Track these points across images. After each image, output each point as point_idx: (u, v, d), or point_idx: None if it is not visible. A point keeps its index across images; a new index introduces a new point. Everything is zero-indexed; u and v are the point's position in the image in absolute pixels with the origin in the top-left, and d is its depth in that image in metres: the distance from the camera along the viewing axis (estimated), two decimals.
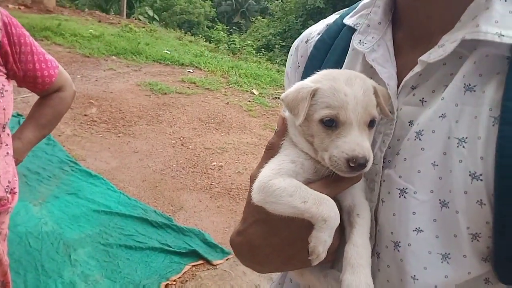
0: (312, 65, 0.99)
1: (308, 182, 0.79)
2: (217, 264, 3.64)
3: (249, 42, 17.75)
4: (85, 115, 6.59)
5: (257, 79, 10.39)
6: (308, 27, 1.11)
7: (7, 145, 1.74)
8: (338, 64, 0.94)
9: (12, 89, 1.72)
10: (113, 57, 10.16)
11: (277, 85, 10.25)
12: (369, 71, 0.86)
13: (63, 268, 3.31)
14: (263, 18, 27.86)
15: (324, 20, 1.07)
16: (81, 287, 3.17)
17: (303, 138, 0.80)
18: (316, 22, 1.17)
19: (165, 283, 3.36)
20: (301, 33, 1.11)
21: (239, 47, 15.50)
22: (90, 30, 11.94)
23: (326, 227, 0.72)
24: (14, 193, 1.77)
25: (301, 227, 0.76)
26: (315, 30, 1.05)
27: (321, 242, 0.72)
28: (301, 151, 0.81)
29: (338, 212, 0.74)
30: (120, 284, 3.28)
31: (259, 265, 0.92)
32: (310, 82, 0.78)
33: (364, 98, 0.74)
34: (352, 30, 0.93)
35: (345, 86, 0.74)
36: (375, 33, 0.87)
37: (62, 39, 10.62)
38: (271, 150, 0.84)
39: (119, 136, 6.06)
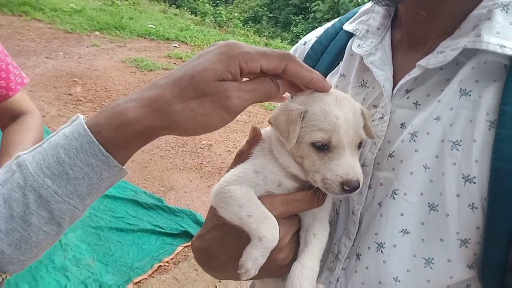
0: (308, 64, 0.99)
1: (269, 195, 0.80)
2: None
3: (235, 14, 17.37)
4: (70, 94, 6.44)
5: None
6: None
7: None
8: (332, 65, 0.97)
9: None
10: (96, 33, 9.87)
11: None
12: (365, 73, 0.88)
13: (53, 252, 3.29)
14: None
15: (324, 25, 1.08)
16: (73, 271, 3.17)
17: (291, 158, 0.79)
18: None
19: (158, 264, 3.37)
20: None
21: (226, 20, 15.17)
22: (71, 5, 11.53)
23: (259, 245, 0.73)
24: None
25: None
26: (314, 34, 1.07)
27: (251, 258, 0.73)
28: (269, 163, 0.81)
29: (277, 235, 0.74)
30: (112, 267, 3.28)
31: (215, 272, 0.92)
32: (298, 104, 0.77)
33: (354, 120, 0.75)
34: (349, 33, 0.95)
35: (335, 108, 0.74)
36: (373, 37, 0.89)
37: (42, 15, 10.25)
38: (240, 158, 0.84)
39: None
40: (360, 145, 0.78)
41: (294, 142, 0.75)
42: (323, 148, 0.74)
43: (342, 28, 0.97)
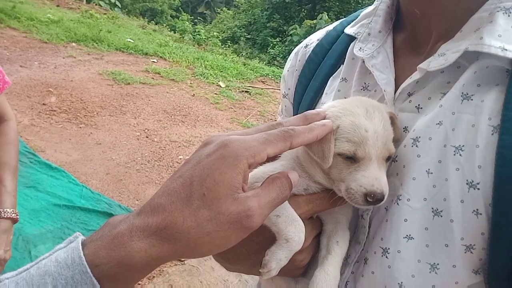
0: (309, 67, 1.01)
1: (294, 195, 0.78)
2: (184, 260, 3.60)
3: (214, 33, 17.55)
4: (44, 104, 6.30)
5: (223, 71, 10.31)
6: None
7: None
8: (334, 68, 0.96)
9: None
10: (73, 44, 9.75)
11: (243, 78, 10.22)
12: (367, 77, 0.88)
13: (22, 265, 2.99)
14: (228, 10, 27.65)
15: (326, 27, 1.08)
16: None
17: (317, 167, 0.79)
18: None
19: None
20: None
21: (205, 38, 15.29)
22: (48, 15, 11.38)
23: (286, 247, 0.72)
24: None
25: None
26: (316, 37, 1.07)
27: (275, 259, 0.72)
28: (298, 168, 0.80)
29: (303, 238, 0.73)
30: None
31: (228, 263, 0.90)
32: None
33: (384, 132, 0.74)
34: (350, 37, 0.95)
35: (365, 121, 0.74)
36: (375, 41, 0.88)
37: (17, 23, 10.05)
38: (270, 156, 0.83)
39: (80, 127, 5.84)
40: (388, 159, 0.77)
41: (331, 162, 0.73)
42: (350, 158, 0.74)
43: (343, 31, 0.97)
